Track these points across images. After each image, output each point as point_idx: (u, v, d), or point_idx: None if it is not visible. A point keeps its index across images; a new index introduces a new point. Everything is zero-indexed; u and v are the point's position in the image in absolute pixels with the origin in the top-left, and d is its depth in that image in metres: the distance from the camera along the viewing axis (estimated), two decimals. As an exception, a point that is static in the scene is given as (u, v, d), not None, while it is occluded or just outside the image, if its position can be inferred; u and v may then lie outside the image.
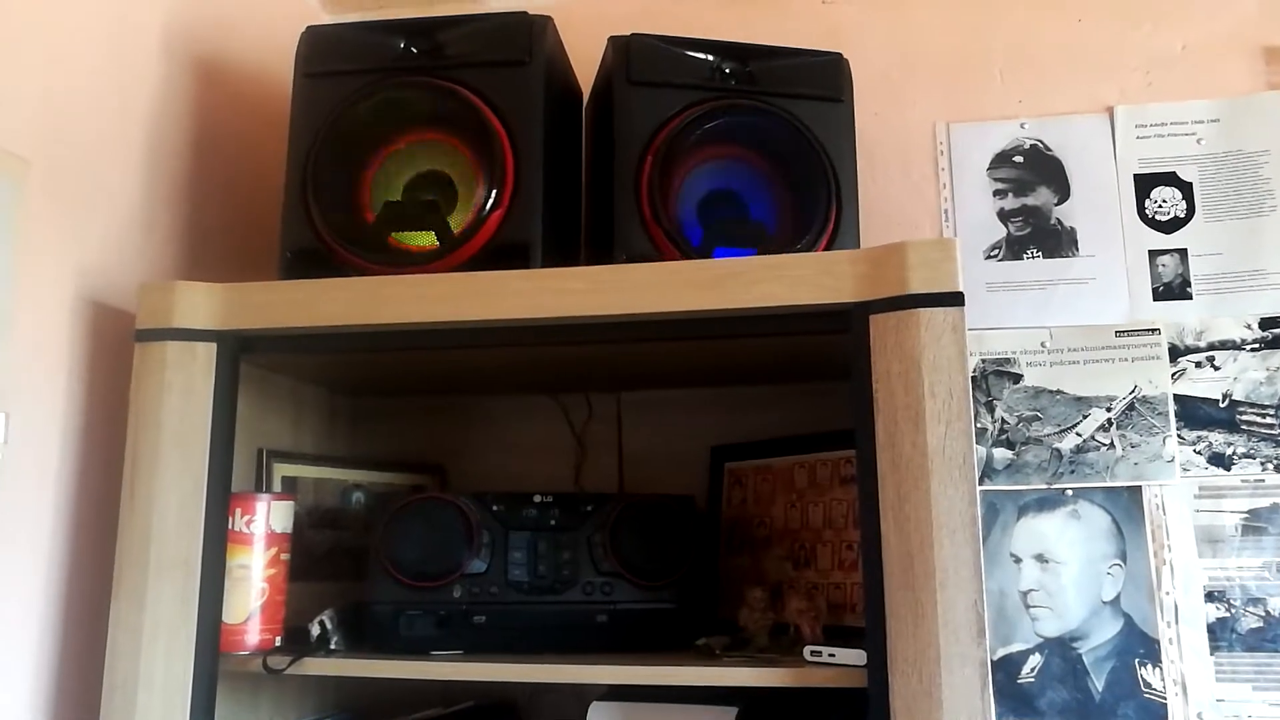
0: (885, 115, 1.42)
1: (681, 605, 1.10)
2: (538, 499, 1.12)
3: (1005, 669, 1.26)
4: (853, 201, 1.15)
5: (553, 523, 1.11)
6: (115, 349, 1.10)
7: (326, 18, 1.55)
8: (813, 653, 0.95)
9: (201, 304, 1.04)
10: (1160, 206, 1.35)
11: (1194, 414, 1.28)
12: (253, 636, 1.03)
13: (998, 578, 1.28)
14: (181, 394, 1.02)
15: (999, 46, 1.43)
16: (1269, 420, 1.27)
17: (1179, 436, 1.28)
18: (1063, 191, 1.38)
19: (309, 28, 1.18)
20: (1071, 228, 1.37)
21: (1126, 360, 1.31)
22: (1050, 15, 1.42)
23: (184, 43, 1.27)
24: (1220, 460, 1.27)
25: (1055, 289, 1.35)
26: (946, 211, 1.40)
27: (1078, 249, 1.36)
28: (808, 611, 1.04)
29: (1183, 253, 1.33)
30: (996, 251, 1.38)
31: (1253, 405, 1.28)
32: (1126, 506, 1.27)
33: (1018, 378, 1.33)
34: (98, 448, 1.09)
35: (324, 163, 1.11)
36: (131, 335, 1.04)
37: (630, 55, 1.14)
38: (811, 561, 1.18)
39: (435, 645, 1.05)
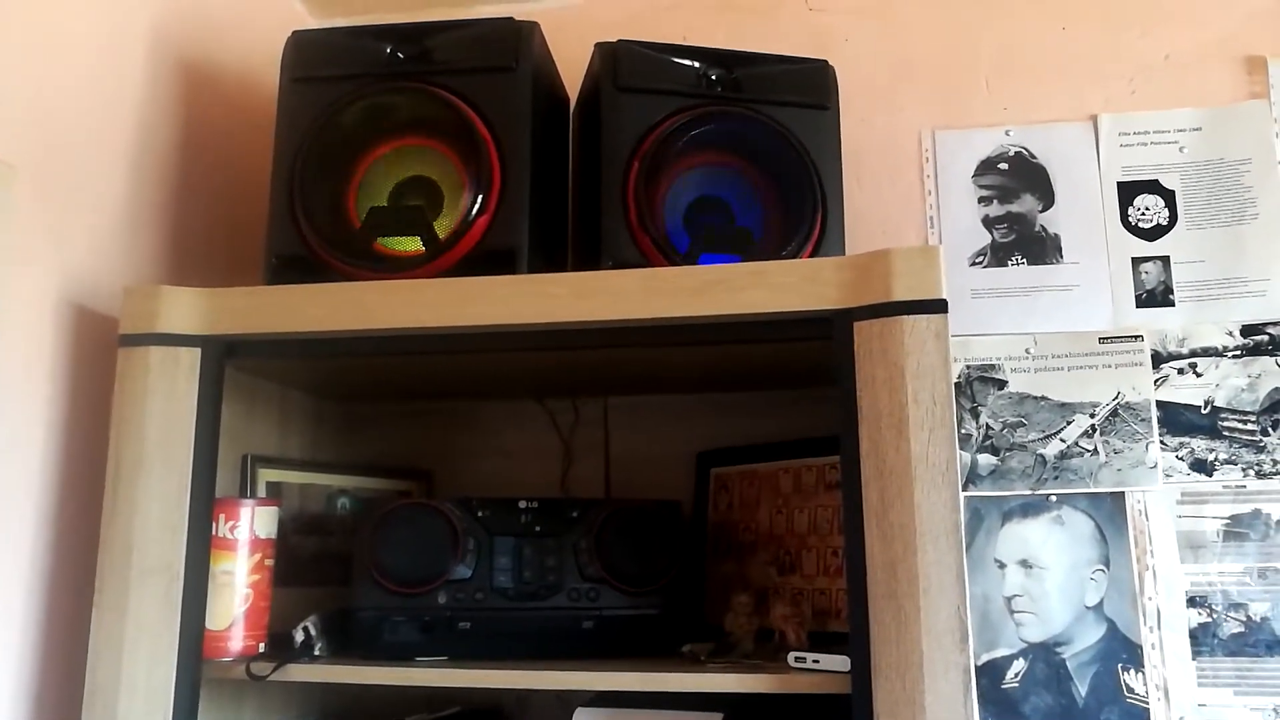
0: (871, 122, 1.43)
1: (667, 611, 1.10)
2: (523, 504, 1.11)
3: (989, 674, 1.26)
4: (838, 208, 1.16)
5: (538, 529, 1.10)
6: (99, 354, 1.10)
7: (313, 22, 1.55)
8: (797, 658, 0.95)
9: (186, 309, 1.04)
10: (1143, 214, 1.36)
11: (1176, 420, 1.29)
12: (236, 643, 1.02)
13: (982, 583, 1.28)
14: (165, 399, 1.02)
15: (985, 54, 1.44)
16: (1250, 426, 1.28)
17: (1161, 443, 1.29)
18: (1047, 199, 1.39)
19: (295, 33, 1.17)
20: (1056, 234, 1.38)
21: (1110, 367, 1.32)
22: (1036, 23, 1.43)
23: (170, 48, 1.27)
24: (1202, 466, 1.28)
25: (1039, 295, 1.36)
26: (932, 218, 1.40)
27: (1062, 256, 1.37)
28: (792, 617, 1.04)
29: (1165, 260, 1.34)
30: (981, 258, 1.38)
31: (1234, 411, 1.28)
32: (1109, 512, 1.28)
33: (1002, 384, 1.33)
34: (80, 453, 1.08)
35: (310, 168, 1.11)
36: (115, 340, 1.04)
37: (617, 62, 1.14)
38: (796, 567, 1.18)
39: (420, 651, 1.05)
